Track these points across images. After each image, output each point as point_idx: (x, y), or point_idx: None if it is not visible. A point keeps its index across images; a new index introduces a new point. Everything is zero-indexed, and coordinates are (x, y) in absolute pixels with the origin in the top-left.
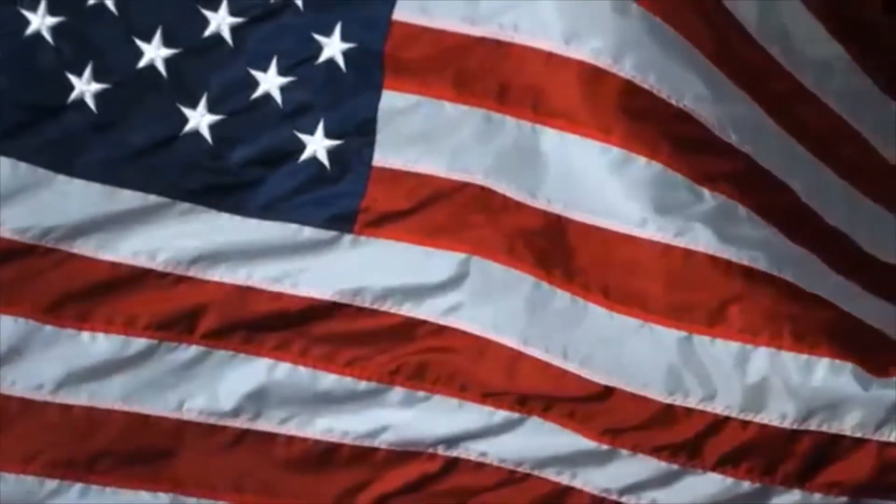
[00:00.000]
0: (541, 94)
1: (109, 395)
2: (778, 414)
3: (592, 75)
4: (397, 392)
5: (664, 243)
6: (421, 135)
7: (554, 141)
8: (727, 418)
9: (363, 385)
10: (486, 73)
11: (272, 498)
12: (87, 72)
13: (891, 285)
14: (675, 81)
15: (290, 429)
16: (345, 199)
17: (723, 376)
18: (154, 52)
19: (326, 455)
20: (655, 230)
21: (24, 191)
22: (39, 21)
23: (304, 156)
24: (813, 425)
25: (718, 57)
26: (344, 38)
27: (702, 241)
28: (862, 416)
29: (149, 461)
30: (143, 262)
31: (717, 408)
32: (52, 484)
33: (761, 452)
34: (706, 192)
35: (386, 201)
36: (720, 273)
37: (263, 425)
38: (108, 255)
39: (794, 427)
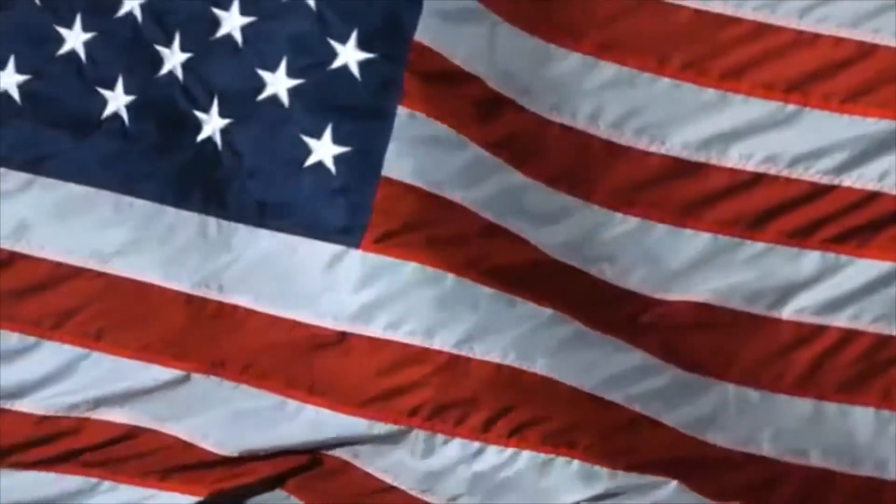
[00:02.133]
0: None
1: (146, 415)
2: None
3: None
4: (416, 437)
5: None
6: (433, 156)
7: None
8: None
9: (378, 427)
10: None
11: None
12: (119, 85)
13: None
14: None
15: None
16: (352, 211)
17: None
18: (173, 59)
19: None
20: None
21: (72, 212)
22: (75, 38)
23: (310, 161)
24: None
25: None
26: (362, 46)
27: None
28: None
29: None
30: (174, 285)
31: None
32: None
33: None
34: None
35: (394, 216)
36: None
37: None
38: (146, 277)
39: None
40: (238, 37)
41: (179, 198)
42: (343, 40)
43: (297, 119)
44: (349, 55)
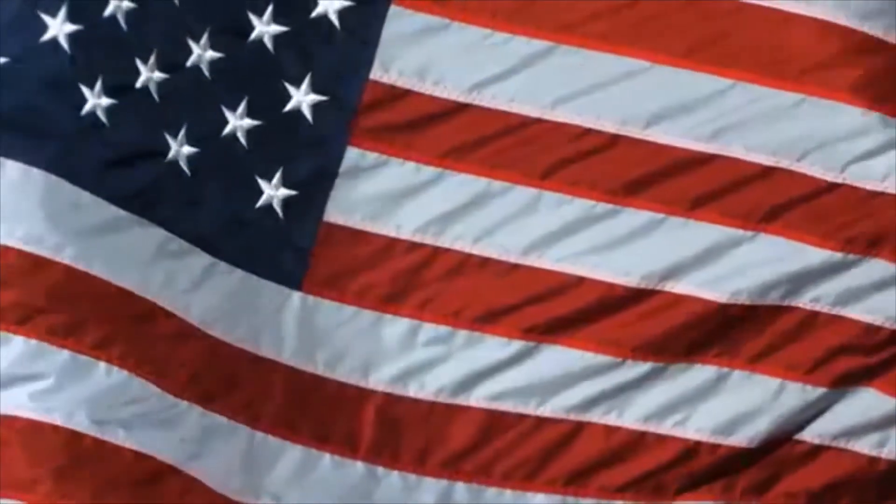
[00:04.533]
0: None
1: (121, 431)
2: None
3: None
4: (359, 468)
5: None
6: (380, 195)
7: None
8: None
9: (327, 458)
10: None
11: None
12: (98, 85)
13: None
14: None
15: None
16: (295, 253)
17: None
18: (148, 74)
19: None
20: None
21: (48, 201)
22: (58, 27)
23: (261, 202)
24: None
25: None
26: (315, 89)
27: None
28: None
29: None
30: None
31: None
32: None
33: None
34: None
35: (336, 260)
36: None
37: (246, 497)
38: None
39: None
40: (206, 70)
41: (131, 204)
42: (297, 84)
43: (252, 161)
44: (302, 97)
